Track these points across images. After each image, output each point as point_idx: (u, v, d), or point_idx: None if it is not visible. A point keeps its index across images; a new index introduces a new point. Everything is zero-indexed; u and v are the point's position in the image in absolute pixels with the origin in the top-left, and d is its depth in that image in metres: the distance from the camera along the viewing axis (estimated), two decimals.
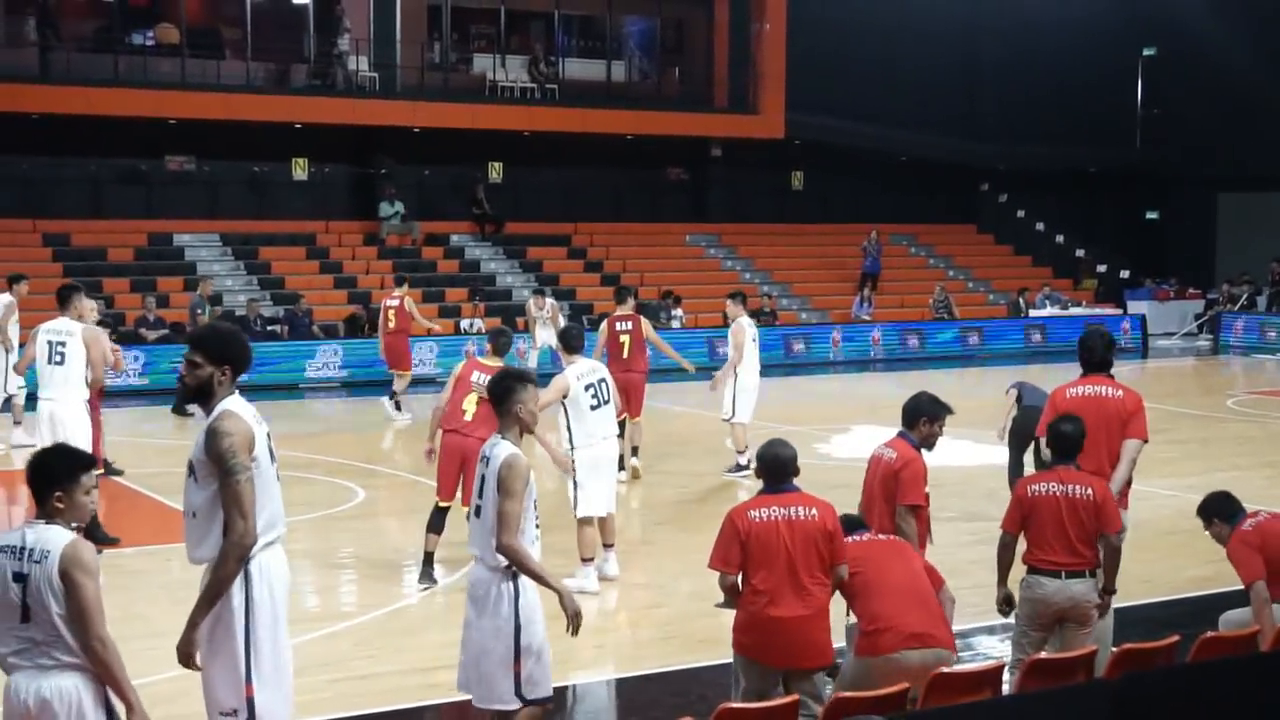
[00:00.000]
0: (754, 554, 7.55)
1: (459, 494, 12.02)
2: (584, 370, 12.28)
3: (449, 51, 35.99)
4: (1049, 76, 39.92)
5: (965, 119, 39.72)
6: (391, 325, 23.12)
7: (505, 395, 7.33)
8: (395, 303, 23.23)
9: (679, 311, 32.46)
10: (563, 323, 24.02)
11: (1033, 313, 36.15)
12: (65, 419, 13.08)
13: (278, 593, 6.40)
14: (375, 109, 33.30)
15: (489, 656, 7.15)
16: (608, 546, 12.36)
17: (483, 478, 7.26)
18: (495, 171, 36.03)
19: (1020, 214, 41.76)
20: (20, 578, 5.69)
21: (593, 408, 12.09)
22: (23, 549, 5.73)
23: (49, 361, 13.47)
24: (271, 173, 33.80)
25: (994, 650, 10.10)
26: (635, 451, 17.62)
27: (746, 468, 17.06)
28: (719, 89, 38.14)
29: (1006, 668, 7.87)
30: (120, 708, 5.86)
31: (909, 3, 38.50)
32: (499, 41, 36.88)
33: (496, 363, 12.09)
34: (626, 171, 37.29)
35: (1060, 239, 41.33)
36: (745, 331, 18.17)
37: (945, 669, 7.12)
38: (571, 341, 12.69)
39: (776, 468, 7.81)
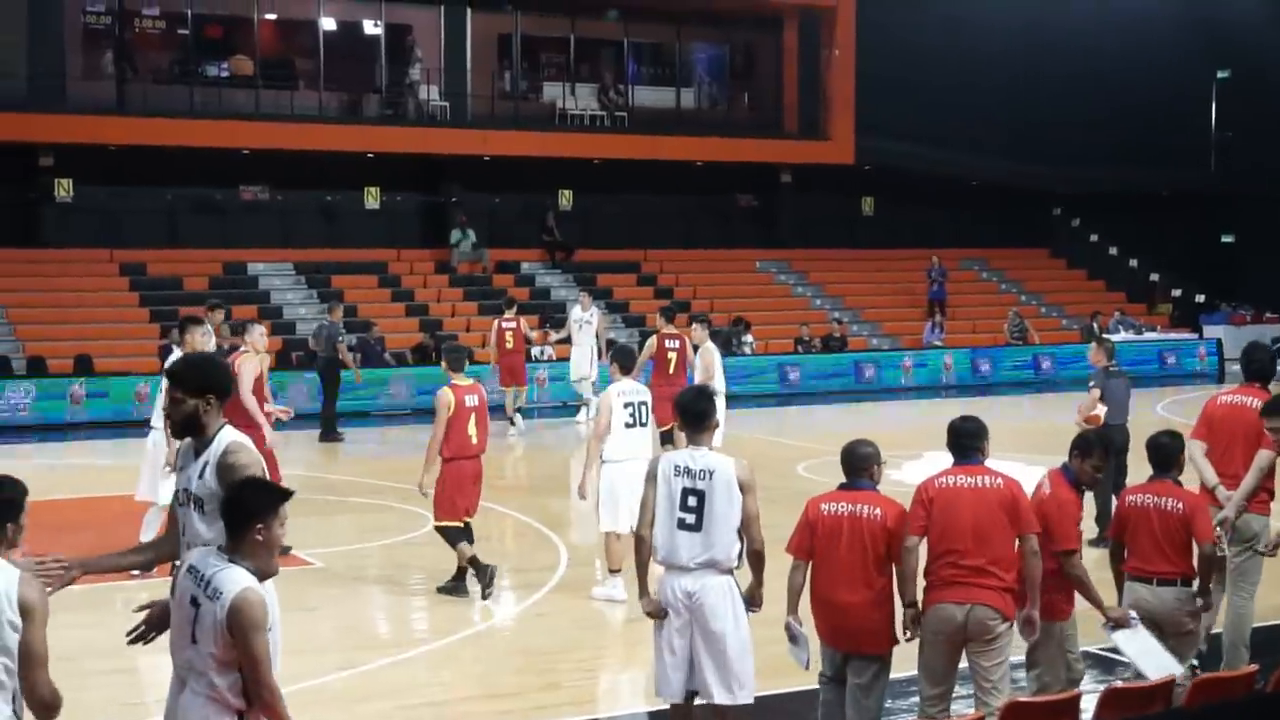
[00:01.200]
0: (819, 543, 8.08)
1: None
2: (627, 389, 12.74)
3: (519, 80, 36.21)
4: (1122, 99, 39.61)
5: (1036, 142, 39.45)
6: (510, 345, 24.51)
7: (705, 415, 8.23)
8: (513, 324, 24.68)
9: (749, 338, 32.39)
10: (610, 333, 24.22)
11: (1106, 338, 35.79)
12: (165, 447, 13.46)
13: (275, 621, 6.34)
14: (446, 138, 33.52)
15: (743, 651, 7.92)
16: None
17: (699, 492, 7.89)
18: (565, 199, 36.16)
19: (1093, 238, 41.45)
20: (195, 603, 5.72)
21: (627, 425, 12.54)
22: (204, 579, 5.71)
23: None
24: (344, 201, 34.08)
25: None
26: None
27: None
28: (789, 114, 38.12)
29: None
30: None
31: (980, 26, 38.32)
32: (569, 69, 37.04)
33: (466, 381, 12.77)
34: (696, 198, 37.32)
35: (1134, 263, 40.96)
36: (716, 354, 18.47)
37: (1023, 699, 7.06)
38: (625, 362, 13.09)
39: (851, 464, 8.30)
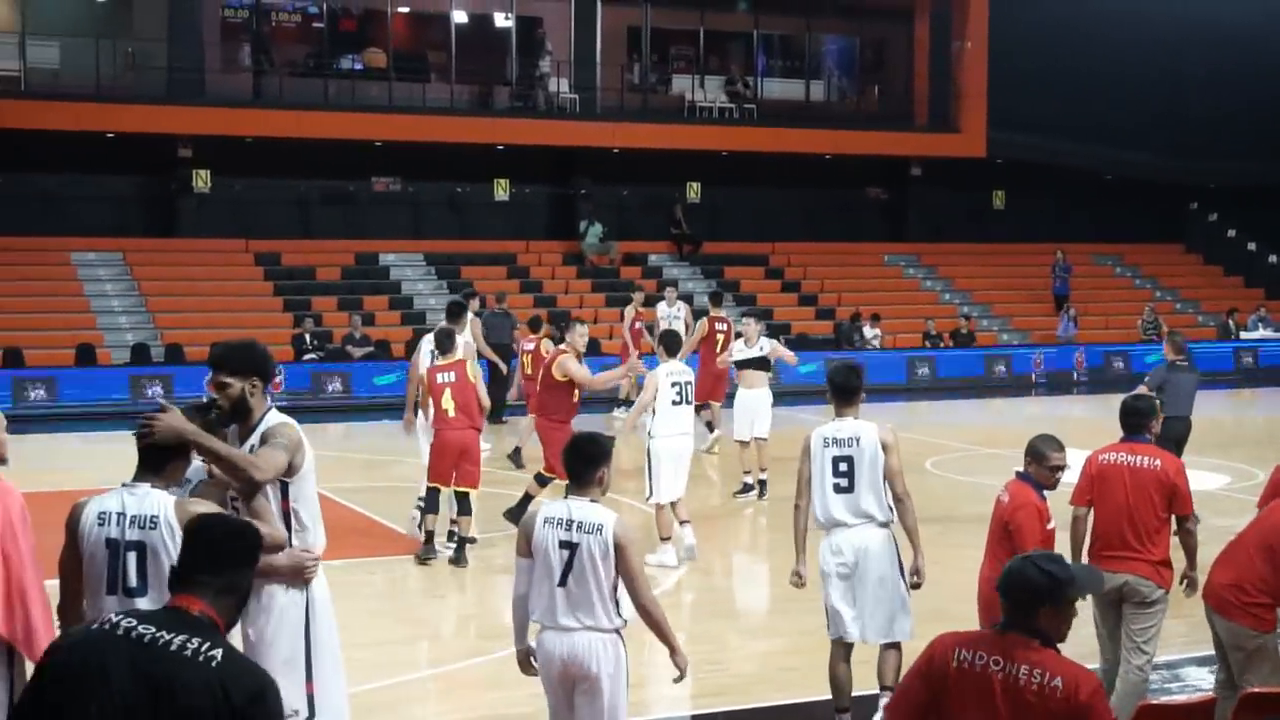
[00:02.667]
0: (1099, 492, 8.73)
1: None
2: (675, 370, 14.03)
3: (648, 72, 36.27)
4: (1259, 90, 38.71)
5: (1172, 135, 38.72)
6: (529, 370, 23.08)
7: (853, 389, 9.01)
8: (532, 346, 23.20)
9: (876, 331, 32.20)
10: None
11: (1244, 335, 35.13)
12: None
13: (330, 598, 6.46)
14: (575, 130, 33.68)
15: (902, 594, 8.83)
16: (684, 523, 13.82)
17: (848, 458, 8.83)
18: (693, 191, 36.17)
19: (1231, 233, 40.63)
20: (567, 545, 6.47)
21: (674, 403, 13.79)
22: (571, 521, 6.56)
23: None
24: (473, 193, 34.37)
25: (1204, 682, 9.79)
26: (710, 427, 20.93)
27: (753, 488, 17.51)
28: (919, 107, 37.80)
29: None
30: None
31: (1113, 17, 37.66)
32: (698, 62, 37.04)
33: (446, 361, 13.90)
34: (824, 191, 37.13)
35: (1273, 259, 40.08)
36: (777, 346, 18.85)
37: (1152, 702, 6.99)
38: (671, 347, 14.49)
39: (1131, 420, 8.95)
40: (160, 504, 5.66)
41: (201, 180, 31.66)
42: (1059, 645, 5.00)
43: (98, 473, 19.30)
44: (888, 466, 8.80)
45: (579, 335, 14.65)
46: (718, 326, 21.17)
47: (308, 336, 28.28)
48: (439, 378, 13.81)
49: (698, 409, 17.95)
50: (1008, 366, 32.61)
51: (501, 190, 34.60)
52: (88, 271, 30.24)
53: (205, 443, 5.91)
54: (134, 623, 4.14)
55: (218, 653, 4.12)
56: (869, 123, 37.42)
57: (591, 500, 6.72)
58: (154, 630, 4.12)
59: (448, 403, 13.63)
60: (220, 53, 32.90)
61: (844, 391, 8.96)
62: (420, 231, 33.80)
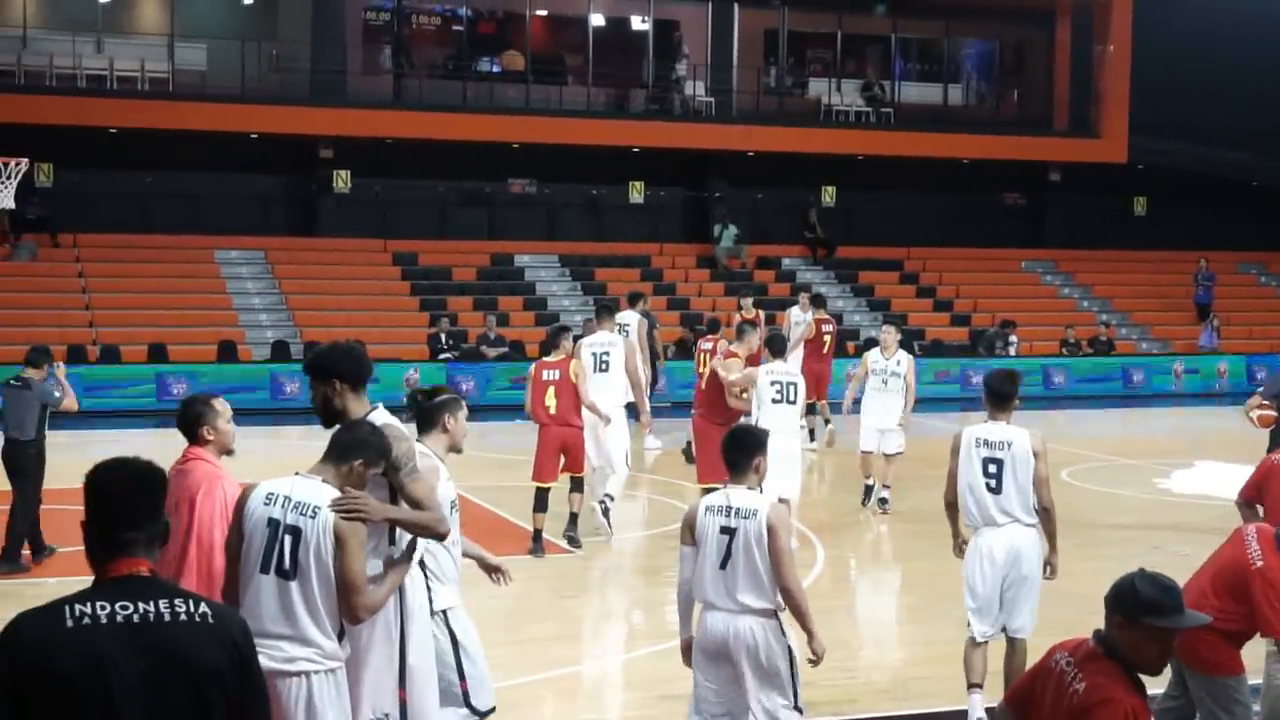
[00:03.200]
0: (1269, 492, 8.76)
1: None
2: (777, 370, 14.12)
3: (785, 76, 36.17)
4: None
5: None
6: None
7: (1008, 395, 9.32)
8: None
9: (1014, 339, 31.81)
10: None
11: None
12: (615, 414, 15.26)
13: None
14: (711, 133, 33.70)
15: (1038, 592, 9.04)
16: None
17: (999, 460, 8.94)
18: (828, 195, 36.02)
19: None
20: (728, 531, 7.00)
21: (774, 401, 13.83)
22: (730, 508, 7.05)
23: (595, 370, 15.33)
24: (609, 195, 34.53)
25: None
26: (827, 422, 21.27)
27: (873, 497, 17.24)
28: (1059, 111, 37.30)
29: None
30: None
31: (1259, 19, 36.84)
32: (835, 65, 36.87)
33: (552, 359, 14.25)
34: (961, 196, 36.77)
35: None
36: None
37: None
38: (775, 348, 14.60)
39: None
40: (326, 498, 5.76)
41: (342, 181, 32.14)
42: (1145, 674, 4.69)
43: (235, 466, 19.72)
44: (1037, 473, 8.98)
45: (753, 339, 14.91)
46: (824, 329, 21.73)
47: (443, 336, 28.58)
48: (544, 375, 14.11)
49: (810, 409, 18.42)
50: (1147, 376, 32.05)
51: (636, 193, 34.72)
52: (230, 270, 30.84)
53: (402, 518, 6.11)
54: (108, 607, 3.90)
55: (203, 606, 4.02)
56: (1007, 127, 37.00)
57: (748, 488, 7.17)
58: (132, 607, 3.91)
59: (550, 400, 13.99)
60: (362, 55, 33.39)
61: (999, 397, 9.27)
62: (555, 233, 34.02)
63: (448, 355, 28.31)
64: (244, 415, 26.37)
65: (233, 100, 30.50)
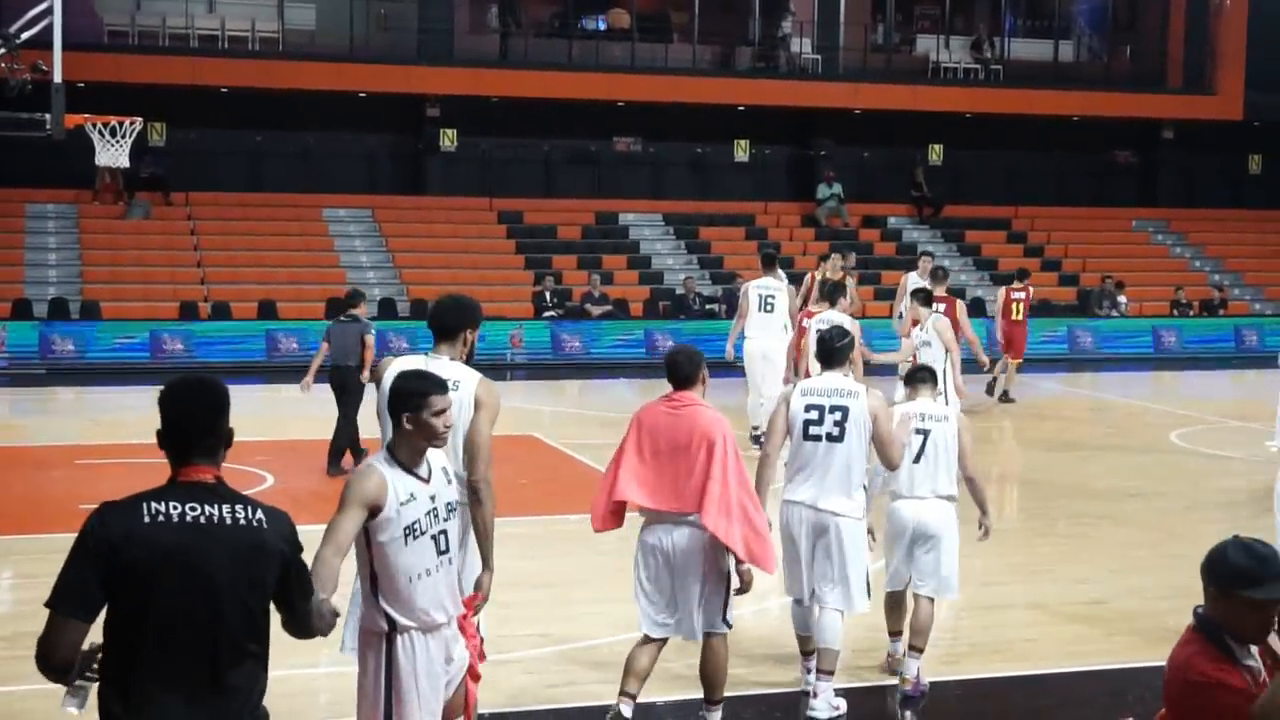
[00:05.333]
0: None
1: None
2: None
3: (892, 32, 35.82)
4: None
5: None
6: (1017, 316, 23.23)
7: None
8: (1022, 294, 23.39)
9: (1123, 299, 31.41)
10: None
11: None
12: (774, 354, 17.40)
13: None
14: (817, 91, 33.47)
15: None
16: None
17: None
18: (935, 154, 35.69)
19: None
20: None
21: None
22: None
23: (760, 310, 17.72)
24: (714, 154, 34.45)
25: None
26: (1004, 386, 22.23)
27: None
28: (1172, 68, 36.62)
29: None
30: None
31: None
32: (943, 22, 36.46)
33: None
34: (1071, 154, 36.28)
35: None
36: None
37: None
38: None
39: None
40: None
41: (448, 139, 32.32)
42: (1250, 647, 4.40)
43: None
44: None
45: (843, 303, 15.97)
46: (1014, 295, 23.26)
47: (548, 294, 28.71)
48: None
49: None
50: (1259, 337, 31.50)
51: (741, 151, 34.61)
52: (338, 228, 31.16)
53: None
54: (179, 508, 4.34)
55: (259, 511, 4.46)
56: (1119, 84, 36.41)
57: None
58: (199, 509, 4.35)
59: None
60: (468, 14, 33.49)
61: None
62: (660, 192, 34.02)
63: (552, 313, 28.45)
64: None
65: (341, 59, 30.76)
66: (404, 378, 5.93)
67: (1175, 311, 31.81)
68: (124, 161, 22.05)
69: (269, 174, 31.67)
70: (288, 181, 31.52)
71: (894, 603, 9.16)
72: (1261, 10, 35.15)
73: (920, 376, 9.31)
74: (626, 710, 7.64)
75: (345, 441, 15.62)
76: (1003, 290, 23.80)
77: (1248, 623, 4.40)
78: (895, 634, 9.12)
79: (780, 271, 18.81)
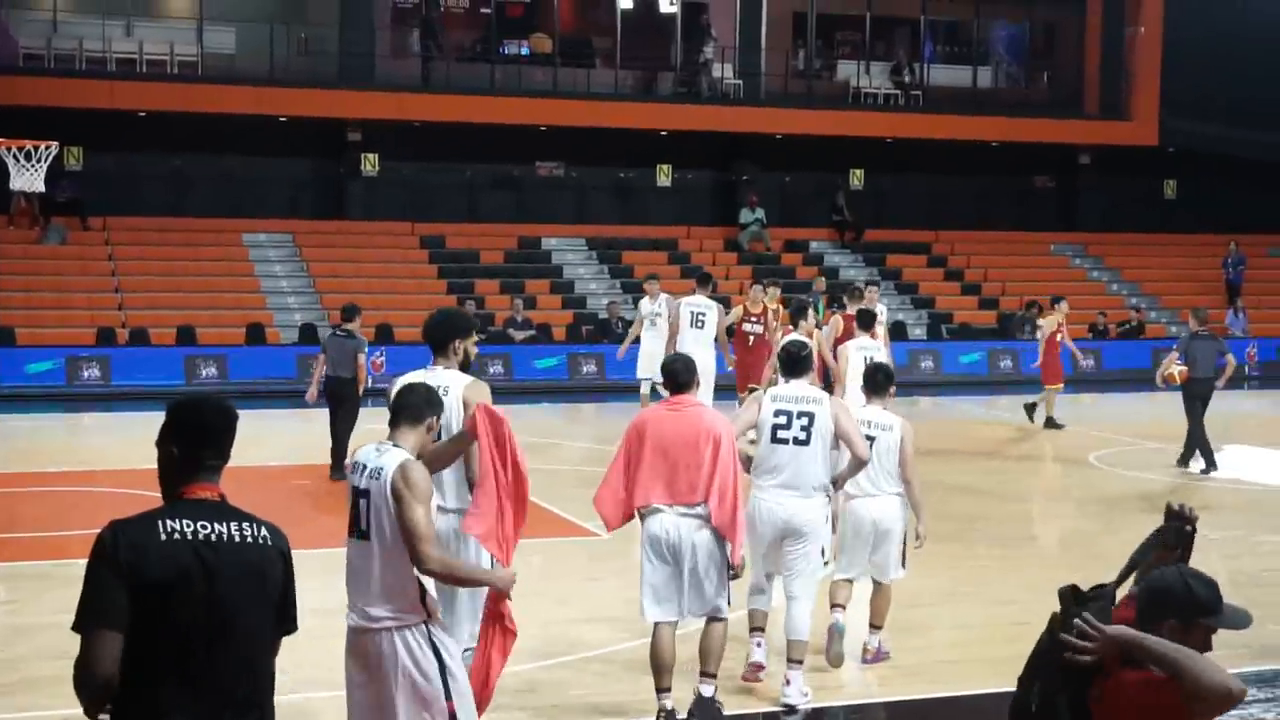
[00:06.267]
0: None
1: None
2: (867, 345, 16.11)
3: (813, 58, 36.05)
4: None
5: None
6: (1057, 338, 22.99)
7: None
8: (1053, 325, 23.06)
9: (1042, 322, 31.63)
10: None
11: None
12: (706, 372, 16.56)
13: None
14: (739, 116, 33.62)
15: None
16: None
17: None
18: (856, 178, 35.92)
19: None
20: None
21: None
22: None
23: (691, 326, 18.80)
24: (636, 178, 34.51)
25: None
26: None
27: None
28: (1089, 94, 37.10)
29: None
30: None
31: None
32: (864, 48, 36.75)
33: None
34: (991, 179, 36.63)
35: None
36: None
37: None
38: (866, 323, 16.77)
39: None
40: (394, 461, 6.09)
41: (370, 164, 32.18)
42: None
43: (265, 449, 19.77)
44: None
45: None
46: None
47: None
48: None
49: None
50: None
51: (664, 176, 34.69)
52: (259, 253, 30.92)
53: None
54: (191, 525, 4.42)
55: (263, 528, 4.56)
56: (1037, 110, 36.82)
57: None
58: (210, 527, 4.44)
59: None
60: (390, 38, 33.39)
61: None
62: (583, 216, 34.02)
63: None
64: (271, 398, 26.67)
65: (261, 83, 30.56)
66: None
67: (1091, 334, 32.13)
68: (39, 186, 21.74)
69: (188, 198, 31.40)
70: (207, 206, 31.26)
71: (840, 586, 9.80)
72: (1176, 38, 35.69)
73: (878, 380, 10.08)
74: (669, 703, 8.34)
75: (346, 448, 16.18)
76: (1051, 319, 23.29)
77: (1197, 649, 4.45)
78: (837, 606, 9.69)
79: (712, 291, 19.69)
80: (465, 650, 6.87)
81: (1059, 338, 22.73)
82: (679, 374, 8.48)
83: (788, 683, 8.93)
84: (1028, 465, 19.15)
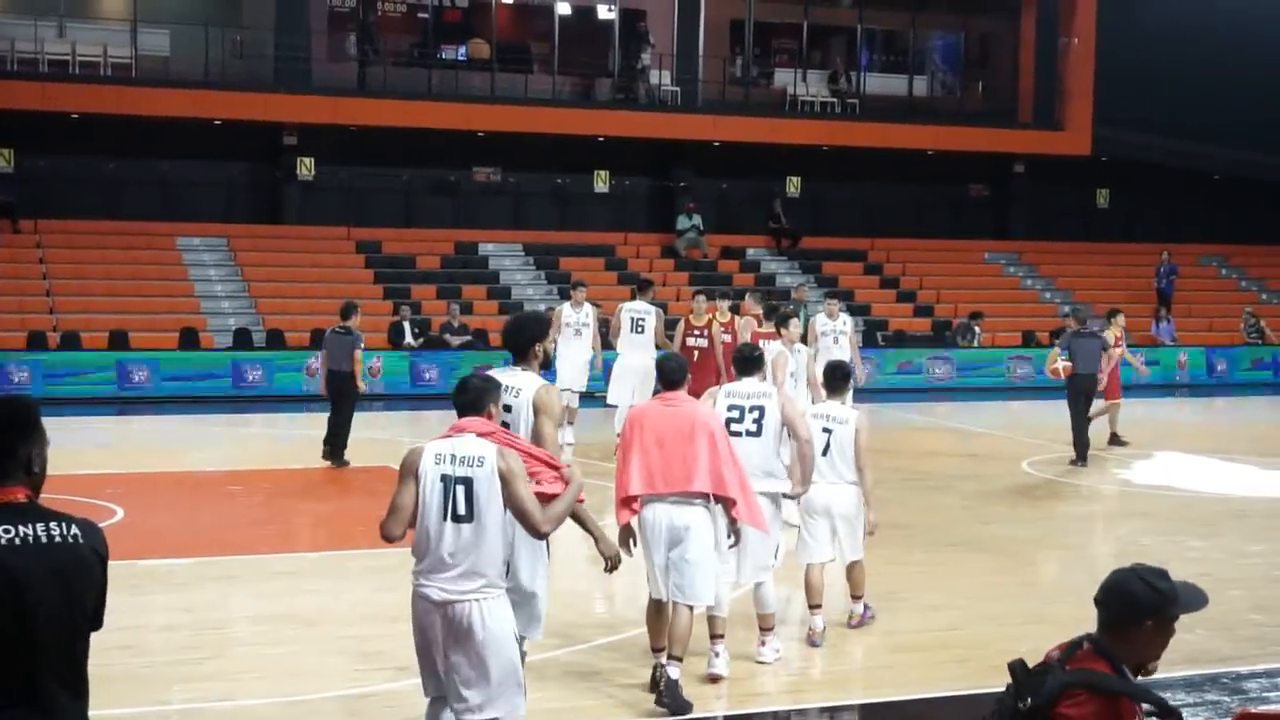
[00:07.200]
0: None
1: None
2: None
3: (750, 66, 36.18)
4: None
5: None
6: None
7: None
8: (1110, 339, 21.78)
9: (978, 330, 31.93)
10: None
11: None
12: (645, 371, 17.90)
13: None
14: (676, 123, 33.69)
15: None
16: None
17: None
18: (793, 186, 36.06)
19: None
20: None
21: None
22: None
23: (632, 331, 19.17)
24: (574, 184, 34.50)
25: None
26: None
27: None
28: (1023, 104, 37.43)
29: None
30: None
31: (1223, 13, 37.04)
32: (800, 56, 36.90)
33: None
34: (926, 187, 36.89)
35: None
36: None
37: (1251, 710, 6.88)
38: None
39: None
40: (484, 449, 6.66)
41: (306, 168, 32.01)
42: (1151, 666, 4.51)
43: (198, 453, 19.65)
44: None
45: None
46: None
47: (406, 325, 28.50)
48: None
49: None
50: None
51: (601, 182, 34.70)
52: (193, 256, 30.68)
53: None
54: None
55: (73, 528, 4.41)
56: (972, 119, 37.09)
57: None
58: (14, 531, 4.31)
59: None
60: (327, 42, 33.21)
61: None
62: (520, 222, 33.98)
63: (411, 344, 28.24)
64: (205, 403, 26.48)
65: (196, 86, 30.33)
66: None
67: (1026, 341, 32.37)
68: None
69: (122, 202, 31.12)
70: (141, 209, 31.00)
71: (813, 578, 10.50)
72: (1108, 49, 36.07)
73: (837, 377, 10.81)
74: (665, 661, 8.80)
75: (346, 437, 18.03)
76: (1109, 333, 21.94)
77: (1159, 643, 4.54)
78: (815, 607, 10.41)
79: (652, 297, 20.20)
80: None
81: (1116, 351, 21.69)
82: (672, 372, 9.06)
83: (762, 644, 9.81)
84: (961, 472, 19.27)
